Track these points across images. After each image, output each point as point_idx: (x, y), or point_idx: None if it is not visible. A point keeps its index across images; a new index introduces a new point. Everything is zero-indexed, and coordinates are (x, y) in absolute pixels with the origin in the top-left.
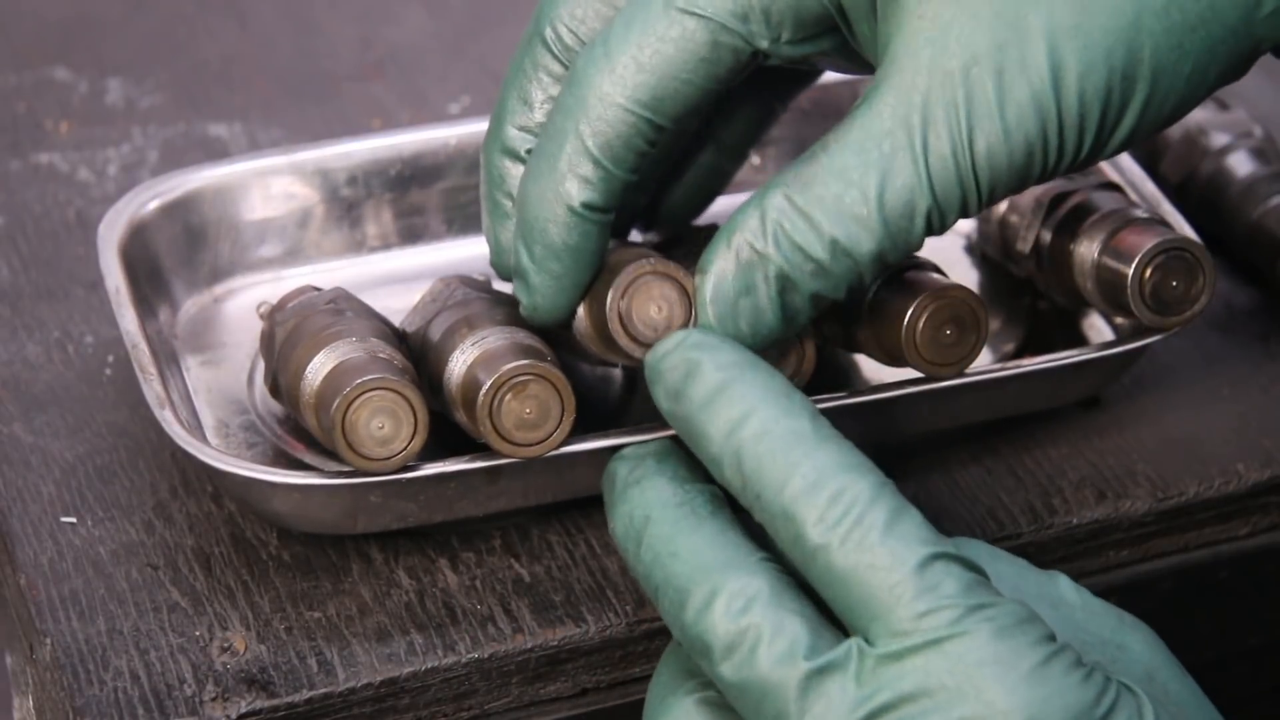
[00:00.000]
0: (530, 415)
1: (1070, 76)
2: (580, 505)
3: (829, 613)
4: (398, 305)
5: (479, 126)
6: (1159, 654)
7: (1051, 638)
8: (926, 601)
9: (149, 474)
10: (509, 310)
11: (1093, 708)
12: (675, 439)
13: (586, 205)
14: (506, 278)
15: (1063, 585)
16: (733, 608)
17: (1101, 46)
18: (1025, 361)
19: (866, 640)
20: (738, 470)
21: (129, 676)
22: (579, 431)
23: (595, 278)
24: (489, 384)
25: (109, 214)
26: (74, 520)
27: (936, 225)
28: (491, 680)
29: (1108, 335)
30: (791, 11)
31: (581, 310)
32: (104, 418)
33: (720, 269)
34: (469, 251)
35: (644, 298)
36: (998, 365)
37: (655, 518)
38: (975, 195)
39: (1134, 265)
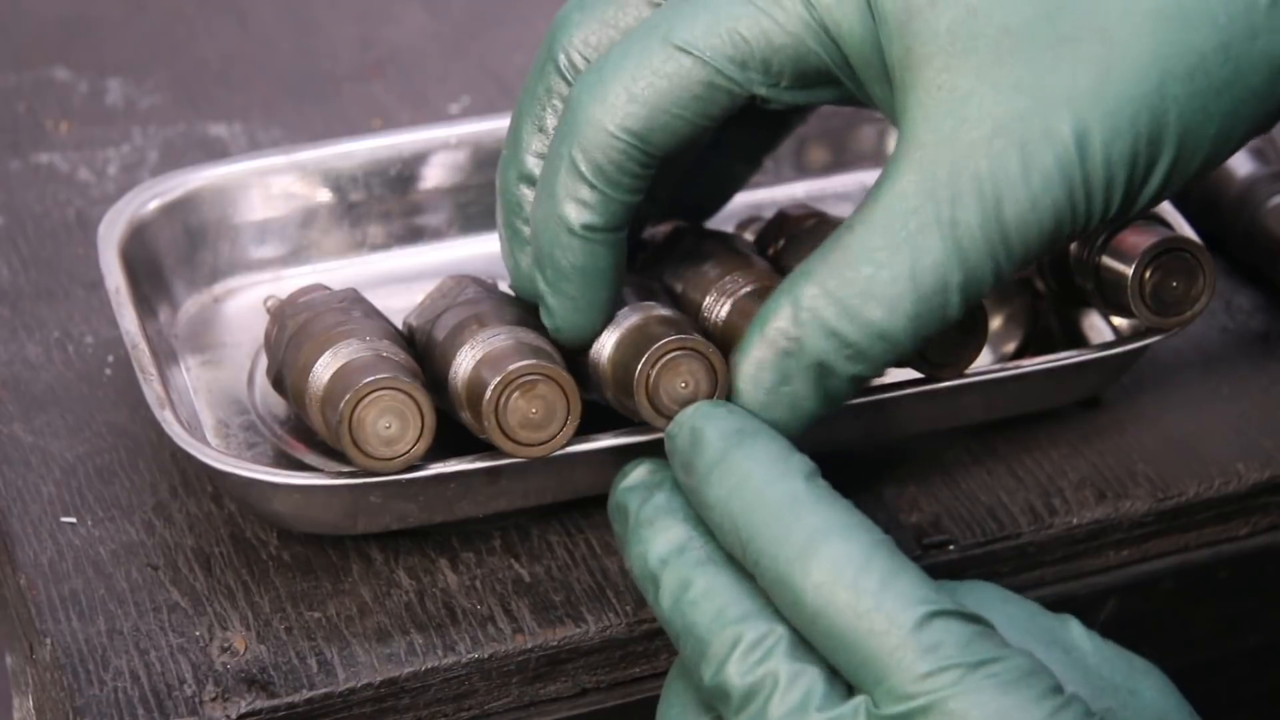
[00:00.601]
0: (536, 415)
1: (1095, 142)
2: (580, 505)
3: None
4: (398, 305)
5: (479, 126)
6: (1170, 698)
7: (1058, 689)
8: (928, 663)
9: (149, 474)
10: (518, 310)
11: None
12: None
13: (587, 227)
14: (530, 301)
15: (1074, 630)
16: (751, 658)
17: (1126, 113)
18: (1025, 361)
19: (874, 701)
20: (737, 538)
21: (129, 676)
22: (580, 432)
23: (615, 297)
24: (496, 382)
25: (109, 214)
26: (74, 520)
27: (972, 297)
28: (491, 680)
29: (1108, 335)
30: (792, 64)
31: (606, 363)
32: (104, 418)
33: (756, 359)
34: (469, 251)
35: (671, 373)
36: (998, 365)
37: (671, 563)
38: (1008, 263)
39: (1134, 265)
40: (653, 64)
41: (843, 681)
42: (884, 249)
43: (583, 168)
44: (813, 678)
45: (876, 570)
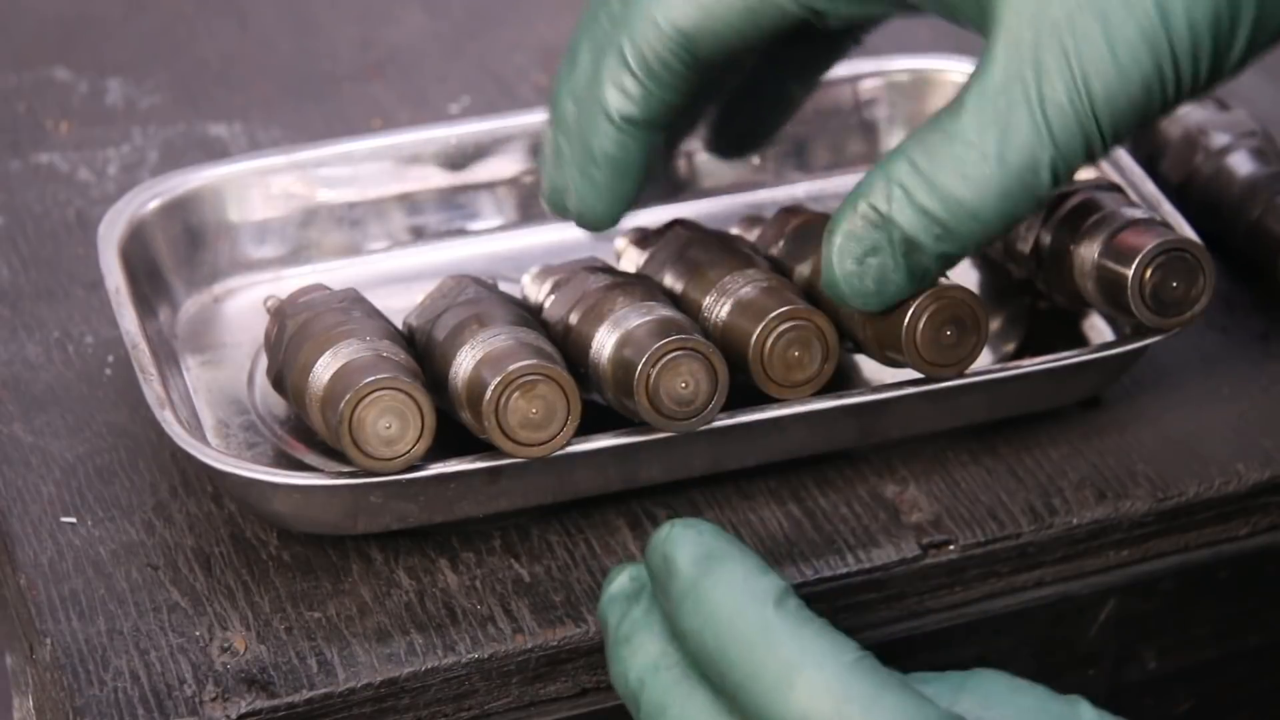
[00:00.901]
0: (536, 415)
1: (1177, 6)
2: (580, 505)
3: None
4: (398, 305)
5: (479, 126)
6: None
7: None
8: None
9: (149, 474)
10: (518, 311)
11: None
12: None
13: (625, 118)
14: (556, 214)
15: (1084, 714)
16: None
17: None
18: (1025, 361)
19: None
20: (713, 669)
21: (129, 676)
22: (580, 432)
23: (636, 194)
24: (496, 382)
25: (109, 214)
26: (74, 520)
27: (1063, 174)
28: (491, 680)
29: (1108, 335)
30: None
31: (606, 363)
32: (104, 418)
33: (847, 229)
34: (469, 251)
35: (672, 373)
36: (998, 365)
37: (648, 683)
38: (1099, 139)
39: (1134, 266)
40: None
41: None
42: (974, 129)
43: (630, 57)
44: None
45: (857, 695)
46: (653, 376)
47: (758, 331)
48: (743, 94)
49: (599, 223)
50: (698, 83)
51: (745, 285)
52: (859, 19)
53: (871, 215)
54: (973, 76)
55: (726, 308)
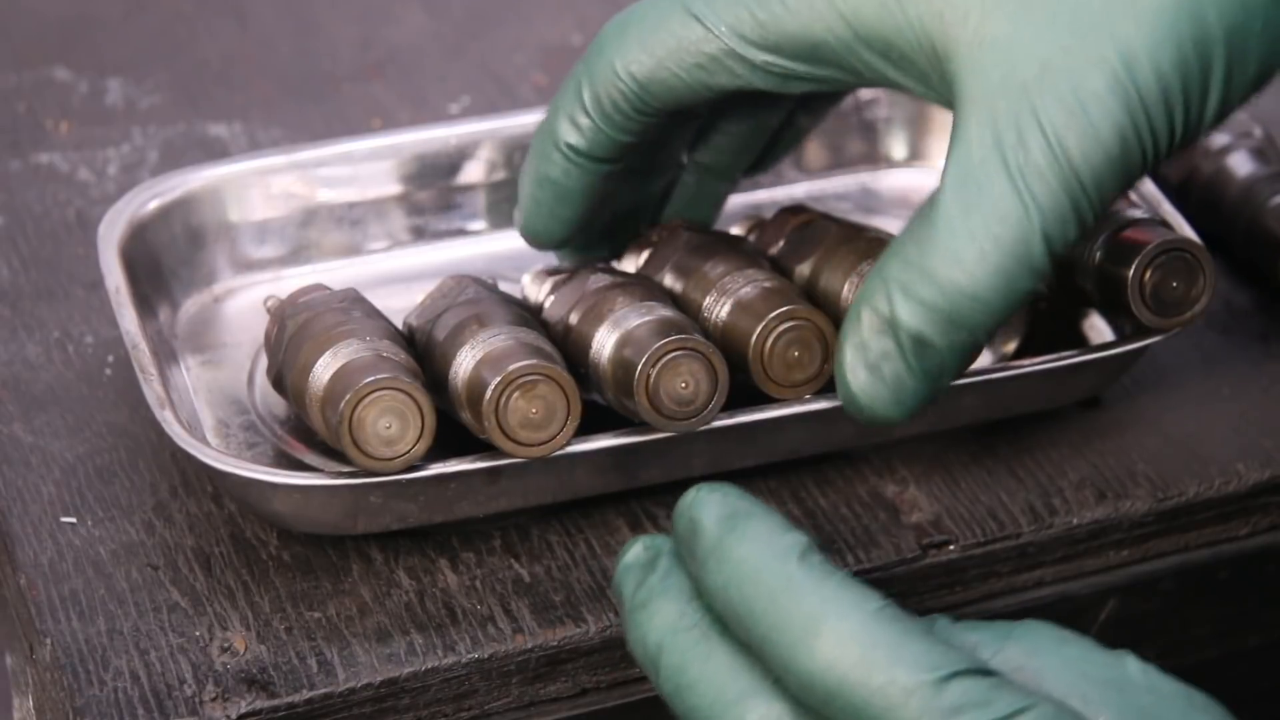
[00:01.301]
0: (536, 415)
1: (1142, 58)
2: (580, 505)
3: None
4: (398, 305)
5: (479, 126)
6: None
7: None
8: None
9: (149, 474)
10: (519, 311)
11: None
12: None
13: (570, 147)
14: (534, 245)
15: (1130, 666)
16: None
17: (1164, 23)
18: (1025, 361)
19: None
20: (739, 626)
21: (129, 676)
22: (580, 432)
23: (581, 218)
24: (496, 382)
25: (109, 214)
26: (74, 520)
27: (1058, 243)
28: (491, 680)
29: (1108, 335)
30: (808, 50)
31: (606, 363)
32: (104, 418)
33: (854, 341)
34: (469, 251)
35: (672, 373)
36: (998, 365)
37: (666, 645)
38: (1085, 200)
39: (1134, 266)
40: (669, 24)
41: None
42: (959, 210)
43: (584, 95)
44: None
45: (882, 643)
46: (653, 376)
47: (758, 331)
48: (752, 122)
49: (539, 241)
50: (657, 125)
51: (745, 285)
52: (818, 92)
53: (875, 320)
54: (948, 157)
55: (726, 308)
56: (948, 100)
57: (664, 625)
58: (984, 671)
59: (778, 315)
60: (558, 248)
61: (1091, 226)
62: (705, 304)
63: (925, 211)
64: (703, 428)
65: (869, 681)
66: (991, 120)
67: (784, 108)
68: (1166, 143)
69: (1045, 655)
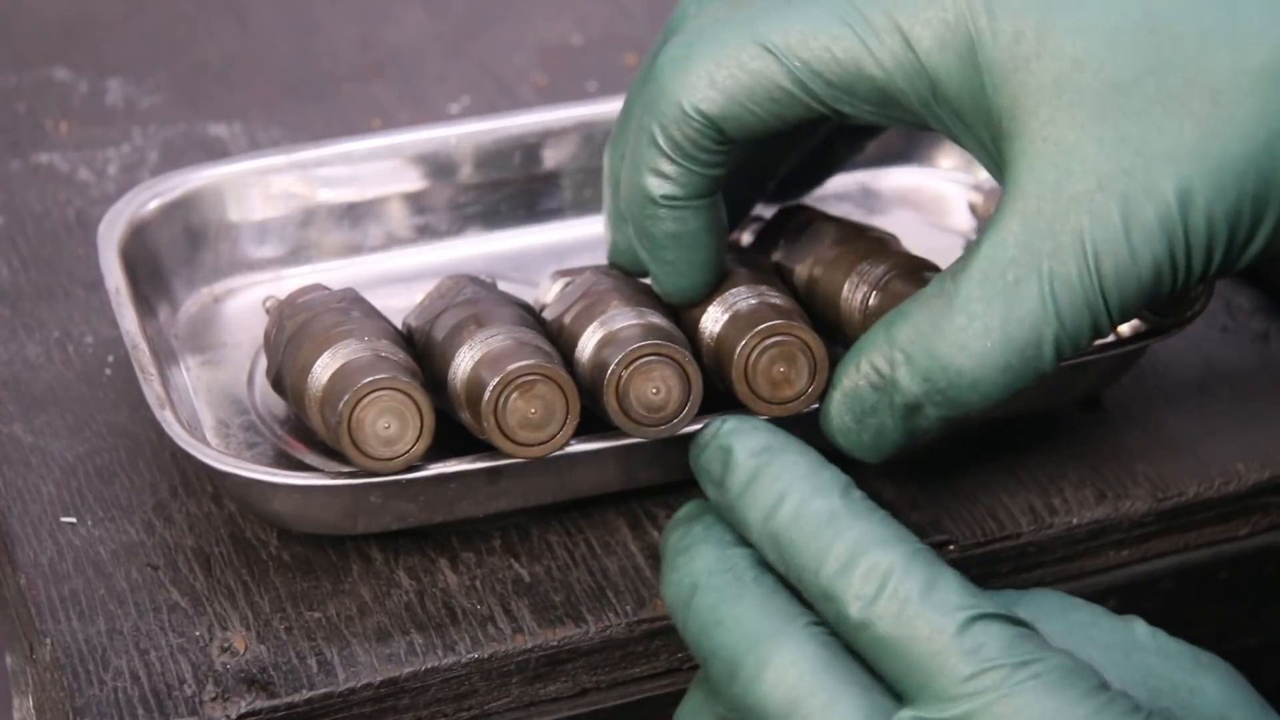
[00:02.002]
0: (535, 415)
1: (1199, 201)
2: (580, 505)
3: (880, 676)
4: (398, 305)
5: (479, 126)
6: (1236, 693)
7: (1103, 686)
8: (970, 665)
9: (149, 474)
10: (518, 310)
11: None
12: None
13: (667, 198)
14: (628, 272)
15: (1138, 630)
16: (784, 679)
17: (1231, 172)
18: None
19: (918, 707)
20: (779, 555)
21: (129, 676)
22: (580, 432)
23: (716, 255)
24: (495, 382)
25: (109, 214)
26: (74, 520)
27: (1068, 351)
28: (491, 680)
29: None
30: (878, 95)
31: (586, 360)
32: (104, 418)
33: (848, 387)
34: (469, 251)
35: (643, 378)
36: None
37: (701, 586)
38: (1105, 318)
39: None
40: (739, 57)
41: (879, 697)
42: (980, 299)
43: (660, 141)
44: (848, 697)
45: (917, 579)
46: (624, 378)
47: (740, 346)
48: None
49: (687, 297)
50: (738, 152)
51: (748, 298)
52: (881, 125)
53: (873, 376)
54: (983, 240)
55: (723, 321)
56: (998, 175)
57: (701, 568)
58: (1010, 619)
59: (761, 330)
60: (709, 290)
61: (1102, 338)
62: (707, 313)
63: (946, 285)
64: (669, 436)
65: (900, 613)
66: (1037, 221)
67: (821, 135)
68: (1199, 276)
69: (1053, 620)
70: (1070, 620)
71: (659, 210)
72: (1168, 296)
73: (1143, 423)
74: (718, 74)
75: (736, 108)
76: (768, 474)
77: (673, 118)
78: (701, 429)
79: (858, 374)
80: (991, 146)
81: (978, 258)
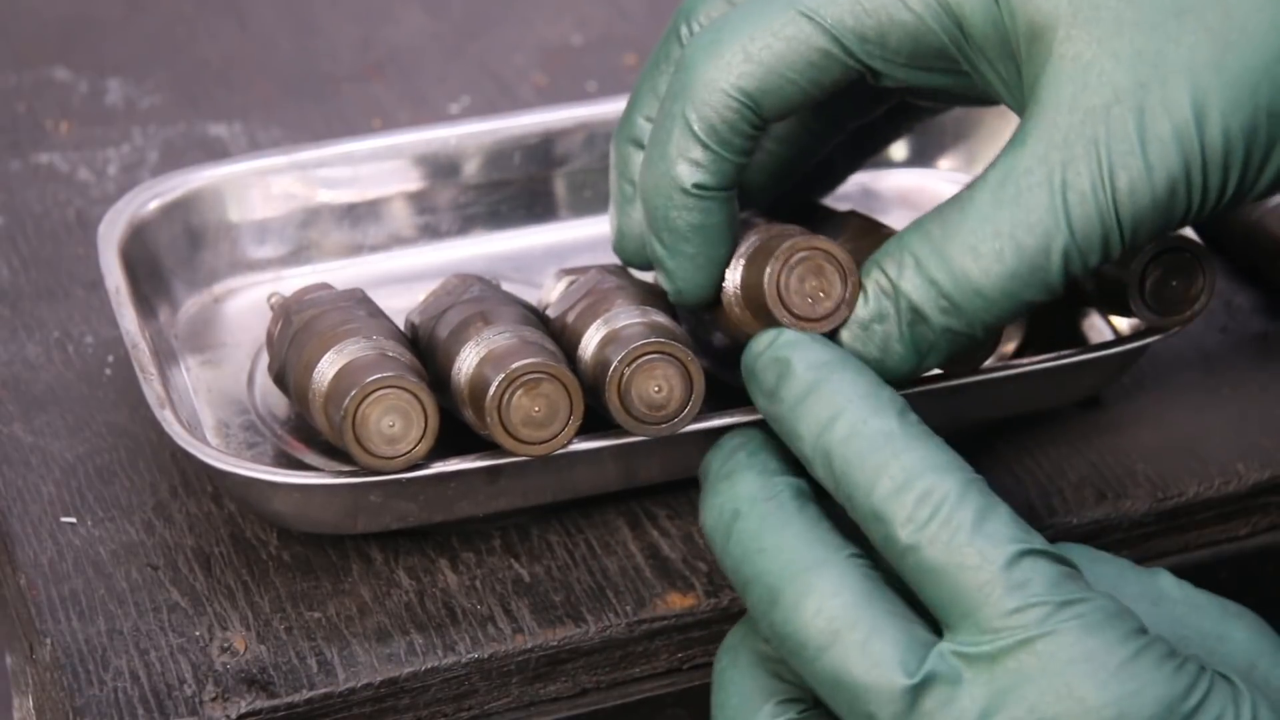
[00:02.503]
0: (539, 413)
1: (1214, 113)
2: (580, 505)
3: (922, 607)
4: (398, 305)
5: (479, 126)
6: (1263, 641)
7: (1142, 631)
8: (1015, 599)
9: (149, 474)
10: (522, 309)
11: (1183, 699)
12: (759, 426)
13: (699, 186)
14: (630, 263)
15: (1164, 581)
16: (825, 609)
17: (1246, 83)
18: (1025, 361)
19: (958, 638)
20: (829, 471)
21: (129, 676)
22: (582, 431)
23: (731, 250)
24: (499, 380)
25: (109, 214)
26: (74, 520)
27: (1077, 265)
28: (491, 680)
29: (1108, 335)
30: (911, 42)
31: (589, 357)
32: (104, 418)
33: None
34: (469, 252)
35: (645, 375)
36: (998, 365)
37: (744, 512)
38: (1117, 234)
39: (1134, 265)
40: (773, 25)
41: (919, 629)
42: (991, 204)
43: (696, 128)
44: (889, 627)
45: (970, 507)
46: (626, 375)
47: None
48: (805, 159)
49: (702, 295)
50: (756, 144)
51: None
52: (912, 84)
53: (882, 281)
54: (1001, 154)
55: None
56: (1022, 102)
57: (745, 494)
58: (1057, 558)
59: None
60: (715, 294)
61: (1112, 260)
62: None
63: (960, 197)
64: (671, 434)
65: (950, 540)
66: (1053, 132)
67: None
68: (1214, 202)
69: (1082, 571)
70: (1098, 572)
71: (688, 200)
72: (1181, 222)
73: (1143, 423)
74: (752, 46)
75: (775, 78)
76: (826, 388)
77: (710, 101)
78: (755, 337)
79: (868, 280)
80: (1016, 83)
81: (994, 168)
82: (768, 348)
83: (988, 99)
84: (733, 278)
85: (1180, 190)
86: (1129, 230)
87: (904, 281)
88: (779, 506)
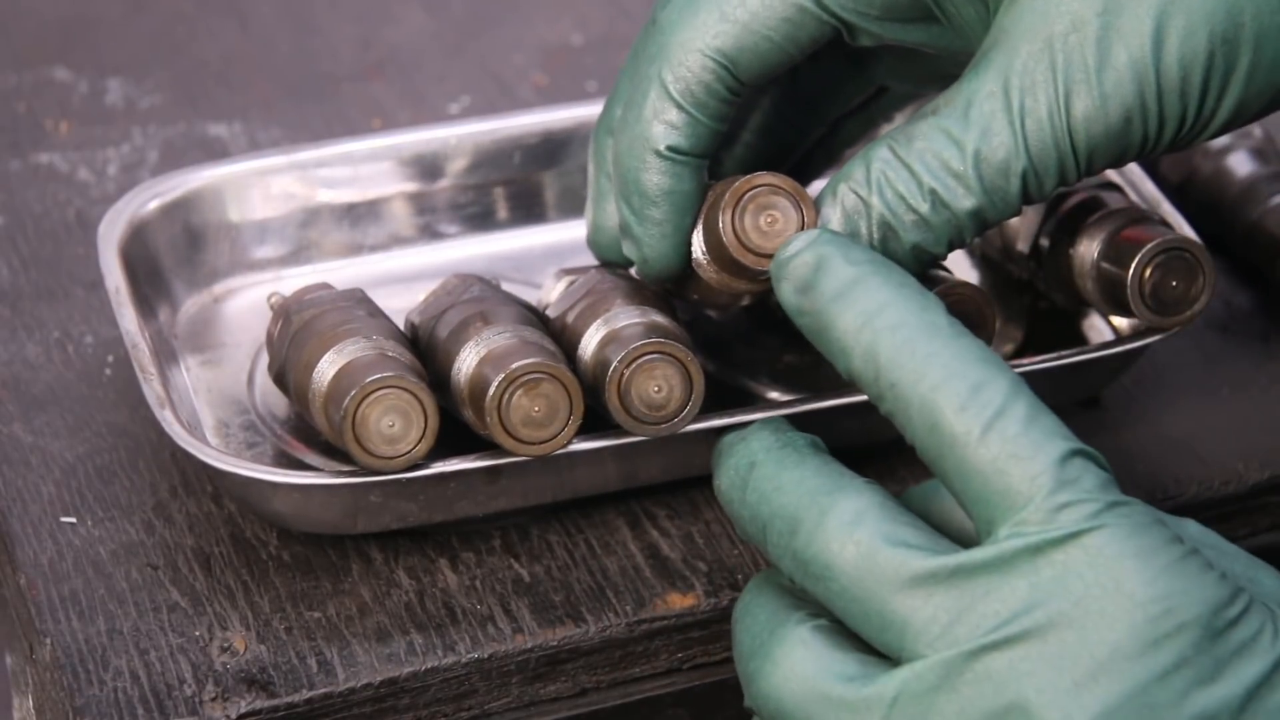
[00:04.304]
0: (539, 413)
1: (1170, 42)
2: (580, 505)
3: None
4: (398, 305)
5: (478, 126)
6: None
7: (1181, 540)
8: (1066, 494)
9: (149, 474)
10: (522, 309)
11: (1228, 605)
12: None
13: (673, 149)
14: (603, 257)
15: (1191, 528)
16: (846, 523)
17: (1201, 11)
18: (1025, 361)
19: (1000, 532)
20: (870, 360)
21: (129, 676)
22: (582, 431)
23: (693, 225)
24: (500, 379)
25: (109, 214)
26: (74, 520)
27: (1034, 189)
28: (491, 680)
29: (1108, 335)
30: None
31: (589, 357)
32: (104, 418)
33: (825, 214)
34: (469, 252)
35: (646, 376)
36: None
37: (760, 460)
38: (1072, 160)
39: (1134, 265)
40: None
41: (943, 541)
42: (956, 127)
43: (672, 89)
44: (914, 536)
45: (1023, 403)
46: (626, 375)
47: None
48: (783, 153)
49: (668, 265)
50: (733, 111)
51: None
52: (888, 39)
53: (850, 197)
54: (965, 75)
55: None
56: (975, 41)
57: (759, 447)
58: (1103, 464)
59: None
60: (680, 267)
61: (1070, 185)
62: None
63: (924, 115)
64: (671, 434)
65: (1005, 431)
66: (1011, 60)
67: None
68: (1171, 134)
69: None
70: None
71: (660, 163)
72: (1139, 153)
73: (1143, 422)
74: (727, 6)
75: (751, 36)
76: (873, 280)
77: (686, 63)
78: (790, 239)
79: (835, 199)
80: (987, 22)
81: (960, 91)
82: (806, 246)
83: (962, 51)
84: (697, 242)
85: (1136, 120)
86: (1084, 156)
87: (874, 198)
88: (794, 450)
